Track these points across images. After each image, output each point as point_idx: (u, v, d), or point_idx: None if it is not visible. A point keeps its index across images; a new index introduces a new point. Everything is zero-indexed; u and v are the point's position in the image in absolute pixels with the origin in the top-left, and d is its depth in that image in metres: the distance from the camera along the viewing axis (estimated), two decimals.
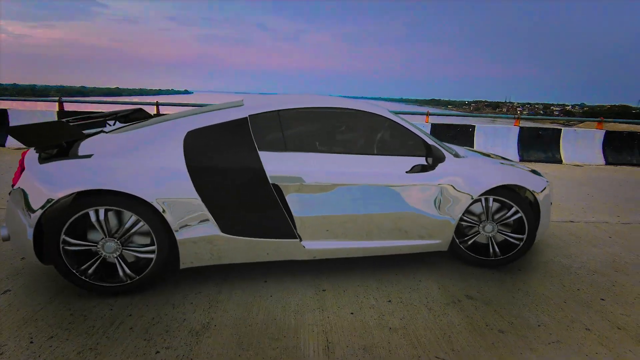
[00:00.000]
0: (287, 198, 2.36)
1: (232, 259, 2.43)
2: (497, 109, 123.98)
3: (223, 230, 2.31)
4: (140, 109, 3.49)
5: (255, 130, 2.40)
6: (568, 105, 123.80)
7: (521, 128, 8.16)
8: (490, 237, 2.79)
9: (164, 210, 2.17)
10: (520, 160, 7.89)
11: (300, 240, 2.46)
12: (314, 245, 2.49)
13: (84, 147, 2.28)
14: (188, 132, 2.32)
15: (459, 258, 2.90)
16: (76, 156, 2.18)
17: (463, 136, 8.05)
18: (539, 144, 8.12)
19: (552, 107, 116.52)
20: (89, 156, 2.17)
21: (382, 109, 2.74)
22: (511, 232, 2.78)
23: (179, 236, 2.24)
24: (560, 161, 7.98)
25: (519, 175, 2.80)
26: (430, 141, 2.65)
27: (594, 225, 3.96)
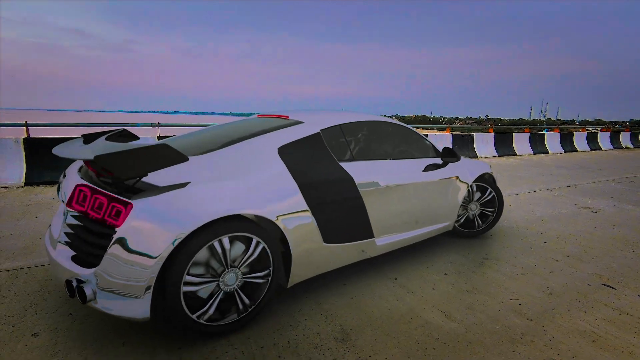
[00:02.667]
0: (365, 201, 2.63)
1: (327, 267, 2.51)
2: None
3: (325, 241, 2.39)
4: (124, 129, 2.99)
5: (327, 144, 2.58)
6: (388, 116, 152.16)
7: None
8: (475, 214, 3.72)
9: (284, 228, 2.12)
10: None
11: (374, 238, 2.75)
12: (383, 241, 2.82)
13: (162, 175, 1.95)
14: (279, 148, 2.31)
15: (454, 234, 3.73)
16: (170, 186, 1.87)
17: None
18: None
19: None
20: (185, 184, 1.90)
21: (399, 122, 3.30)
22: (487, 208, 3.79)
23: (294, 252, 2.21)
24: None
25: (485, 165, 3.84)
26: (444, 146, 3.39)
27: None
